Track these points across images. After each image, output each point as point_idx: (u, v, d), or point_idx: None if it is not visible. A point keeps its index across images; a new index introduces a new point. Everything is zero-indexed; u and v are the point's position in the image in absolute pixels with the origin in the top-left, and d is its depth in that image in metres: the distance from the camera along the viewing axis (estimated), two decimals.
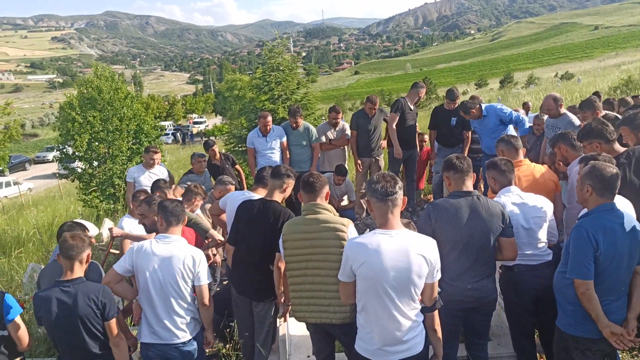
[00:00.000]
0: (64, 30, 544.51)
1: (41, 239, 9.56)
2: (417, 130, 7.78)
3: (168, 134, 46.36)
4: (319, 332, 3.54)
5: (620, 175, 3.10)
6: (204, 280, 3.57)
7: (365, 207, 7.97)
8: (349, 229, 3.33)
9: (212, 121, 62.82)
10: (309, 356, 4.06)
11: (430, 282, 2.86)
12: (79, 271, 3.29)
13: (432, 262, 2.82)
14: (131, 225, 5.51)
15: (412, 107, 7.38)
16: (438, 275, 2.90)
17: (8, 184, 25.86)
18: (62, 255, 3.28)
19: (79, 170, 13.37)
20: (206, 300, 3.59)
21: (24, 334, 3.38)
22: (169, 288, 3.47)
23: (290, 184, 4.10)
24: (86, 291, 3.21)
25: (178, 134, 49.75)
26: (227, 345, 4.28)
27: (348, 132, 7.67)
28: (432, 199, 7.96)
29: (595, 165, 3.08)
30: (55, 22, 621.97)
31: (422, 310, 2.94)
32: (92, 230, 4.81)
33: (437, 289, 2.95)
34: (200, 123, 57.93)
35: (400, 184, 2.86)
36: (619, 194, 3.25)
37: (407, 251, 2.76)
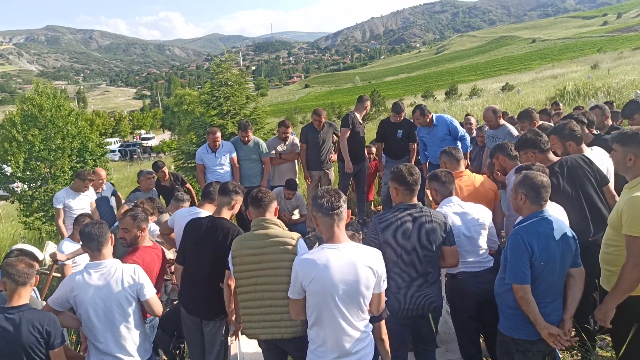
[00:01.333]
0: (2, 46, 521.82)
1: None
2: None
3: (115, 151, 45.17)
4: (271, 349, 3.54)
5: (554, 183, 3.28)
6: (149, 293, 3.47)
7: None
8: (298, 243, 3.35)
9: (161, 137, 61.61)
10: None
11: (377, 292, 2.92)
12: (25, 297, 3.16)
13: (379, 273, 2.88)
14: (71, 249, 5.37)
15: (361, 121, 7.52)
16: (384, 285, 2.97)
17: None
18: (10, 281, 3.13)
19: (19, 191, 12.82)
20: (158, 311, 3.53)
21: None
22: (115, 315, 3.36)
23: (238, 200, 4.10)
24: (31, 319, 3.08)
25: (127, 150, 48.52)
26: None
27: (297, 146, 7.73)
28: (382, 210, 8.11)
29: (527, 174, 3.25)
30: None
31: (371, 320, 3.00)
32: (39, 256, 4.66)
33: (384, 299, 3.02)
34: (148, 139, 56.70)
35: (344, 197, 2.92)
36: (553, 201, 3.43)
37: (355, 264, 2.81)
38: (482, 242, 3.74)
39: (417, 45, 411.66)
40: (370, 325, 2.98)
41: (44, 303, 3.78)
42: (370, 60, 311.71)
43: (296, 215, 7.96)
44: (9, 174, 12.73)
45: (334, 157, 7.83)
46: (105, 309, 3.35)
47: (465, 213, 3.73)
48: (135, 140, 58.44)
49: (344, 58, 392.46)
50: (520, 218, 3.33)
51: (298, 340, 3.34)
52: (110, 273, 3.40)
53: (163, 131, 72.12)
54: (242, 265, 3.43)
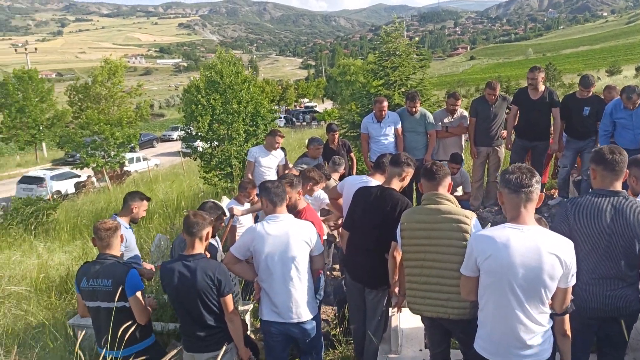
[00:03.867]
0: (189, 17, 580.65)
1: (167, 212, 10.33)
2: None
3: (281, 118, 47.90)
4: (435, 327, 3.44)
5: None
6: (319, 249, 3.69)
7: (481, 199, 7.63)
8: (472, 222, 3.17)
9: (322, 106, 63.74)
10: (421, 349, 3.98)
11: (563, 286, 2.63)
12: (199, 247, 3.44)
13: (567, 264, 2.58)
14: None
15: (534, 98, 6.87)
16: (573, 281, 2.66)
17: (138, 160, 28.39)
18: (185, 232, 3.45)
19: (200, 149, 14.24)
20: (322, 266, 3.71)
21: (141, 310, 3.51)
22: (289, 266, 3.56)
23: (409, 172, 4.00)
24: (204, 267, 3.36)
25: (292, 117, 51.11)
26: (338, 329, 4.32)
27: (466, 119, 7.37)
28: (556, 195, 7.41)
29: None
30: (182, 9, 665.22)
31: (552, 315, 2.72)
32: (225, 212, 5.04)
33: (570, 296, 2.71)
34: (311, 107, 59.01)
35: (537, 177, 2.64)
36: None
37: (539, 249, 2.55)
38: None
39: (604, 14, 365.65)
40: (551, 321, 2.71)
41: (224, 254, 4.12)
42: (547, 31, 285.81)
43: (459, 192, 7.64)
44: (193, 134, 14.19)
45: (505, 133, 7.32)
46: (281, 260, 3.55)
47: None
48: (298, 108, 61.26)
49: (516, 28, 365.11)
50: None
51: (465, 322, 3.19)
52: (287, 226, 3.60)
53: (322, 101, 74.50)
54: (411, 239, 3.35)
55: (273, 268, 3.56)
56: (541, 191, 2.68)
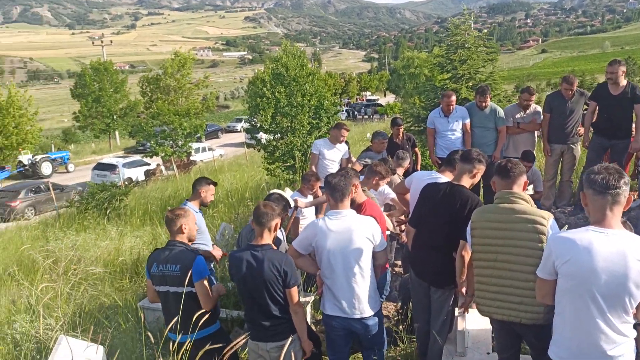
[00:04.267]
0: (255, 11, 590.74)
1: (231, 202, 10.59)
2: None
3: (343, 111, 47.86)
4: (504, 330, 3.31)
5: None
6: (382, 245, 3.64)
7: (553, 199, 7.30)
8: (550, 223, 3.02)
9: (384, 99, 63.13)
10: (488, 353, 3.85)
11: None
12: (267, 238, 3.49)
13: None
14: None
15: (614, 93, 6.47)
16: None
17: (204, 150, 29.28)
18: (254, 222, 3.51)
19: (264, 141, 14.46)
20: (385, 262, 3.66)
21: (206, 297, 3.57)
22: (351, 262, 3.54)
23: (480, 169, 3.86)
24: (271, 258, 3.40)
25: (353, 110, 50.96)
26: (400, 327, 4.26)
27: (540, 115, 7.05)
28: (636, 197, 6.96)
29: None
30: (248, 2, 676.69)
31: (636, 325, 2.55)
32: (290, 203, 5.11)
33: None
34: (373, 101, 58.61)
35: (626, 179, 2.47)
36: None
37: (625, 254, 2.38)
38: None
39: None
40: (634, 332, 2.54)
41: (287, 246, 4.16)
42: (626, 23, 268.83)
43: (530, 192, 7.33)
44: (258, 126, 14.42)
45: (582, 130, 6.94)
46: (343, 256, 3.53)
47: None
48: (360, 101, 60.97)
49: (593, 20, 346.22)
50: None
51: (539, 327, 3.05)
52: (349, 222, 3.57)
53: (384, 94, 73.74)
54: (482, 239, 3.24)
55: (335, 264, 3.56)
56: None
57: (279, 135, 13.83)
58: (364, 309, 3.58)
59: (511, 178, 3.21)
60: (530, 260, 2.99)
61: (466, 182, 3.85)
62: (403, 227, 5.47)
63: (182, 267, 3.56)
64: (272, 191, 4.89)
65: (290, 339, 3.43)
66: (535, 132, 7.28)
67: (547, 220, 3.03)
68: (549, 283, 2.67)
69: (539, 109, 7.17)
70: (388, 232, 5.01)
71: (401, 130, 7.92)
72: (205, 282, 3.59)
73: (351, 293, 3.56)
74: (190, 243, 3.82)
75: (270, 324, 3.45)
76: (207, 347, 3.21)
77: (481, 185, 7.12)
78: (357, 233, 3.53)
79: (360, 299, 3.57)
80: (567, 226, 5.64)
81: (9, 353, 4.31)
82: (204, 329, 3.53)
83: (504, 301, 3.15)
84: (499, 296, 3.17)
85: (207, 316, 3.38)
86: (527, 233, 3.04)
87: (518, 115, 7.13)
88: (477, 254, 3.30)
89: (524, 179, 3.24)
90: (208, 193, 5.07)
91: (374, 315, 3.63)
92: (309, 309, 5.27)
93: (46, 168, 28.23)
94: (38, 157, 28.51)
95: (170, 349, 3.18)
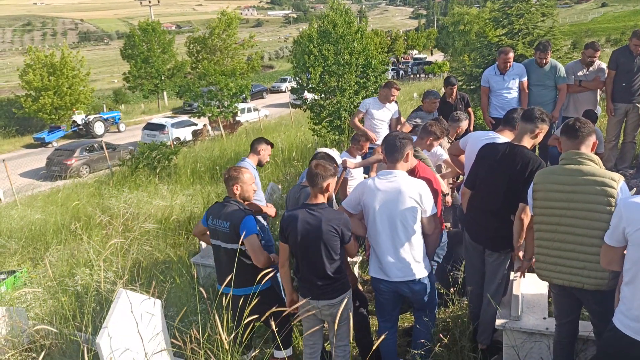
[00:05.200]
0: None
1: (277, 162, 10.63)
2: None
3: (389, 70, 46.89)
4: (565, 295, 3.18)
5: None
6: (431, 210, 3.54)
7: (614, 161, 6.96)
8: (620, 185, 2.84)
9: (432, 58, 61.28)
10: (544, 317, 3.74)
11: None
12: (321, 198, 3.47)
13: None
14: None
15: None
16: None
17: (249, 110, 29.44)
18: (309, 182, 3.49)
19: (310, 101, 14.34)
20: (432, 229, 3.59)
21: (257, 253, 3.64)
22: (397, 224, 3.48)
23: (543, 129, 3.65)
24: (329, 217, 3.39)
25: (403, 70, 49.81)
26: (451, 289, 4.19)
27: (604, 72, 6.64)
28: None
29: None
30: None
31: None
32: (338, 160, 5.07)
33: None
34: (421, 59, 56.96)
35: None
36: None
37: None
38: None
39: None
40: None
41: (337, 206, 4.13)
42: None
43: None
44: (304, 85, 14.28)
45: None
46: (389, 216, 3.48)
47: None
48: (406, 60, 59.44)
49: None
50: None
51: (602, 294, 2.92)
52: (399, 183, 3.50)
53: (431, 53, 71.48)
54: (545, 201, 3.09)
55: (381, 225, 3.51)
56: None
57: (326, 94, 13.67)
58: (409, 273, 3.53)
59: (579, 138, 3.02)
60: (596, 224, 2.85)
61: (527, 142, 3.66)
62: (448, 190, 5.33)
63: (232, 225, 3.66)
64: (318, 150, 4.83)
65: (345, 299, 3.44)
66: (598, 90, 6.89)
67: (617, 182, 2.85)
68: (616, 250, 2.55)
69: (604, 65, 6.76)
70: (444, 195, 4.89)
71: (455, 89, 7.63)
72: (255, 239, 3.64)
73: (396, 256, 3.51)
74: (245, 202, 3.87)
75: (323, 283, 3.46)
76: (255, 302, 3.23)
77: (537, 146, 6.85)
78: (405, 195, 3.45)
79: (406, 261, 3.51)
80: (634, 189, 5.36)
81: (72, 304, 4.52)
82: (254, 285, 3.59)
83: (566, 266, 3.02)
84: (560, 260, 3.04)
85: (257, 273, 3.42)
86: (595, 196, 2.87)
87: (580, 73, 6.76)
88: (539, 217, 3.16)
89: (592, 139, 3.04)
90: (266, 152, 5.17)
91: (419, 280, 3.57)
92: (356, 269, 5.27)
93: (99, 128, 29.16)
94: (91, 117, 29.44)
95: (223, 303, 3.24)
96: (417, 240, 3.55)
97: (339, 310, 3.11)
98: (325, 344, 4.04)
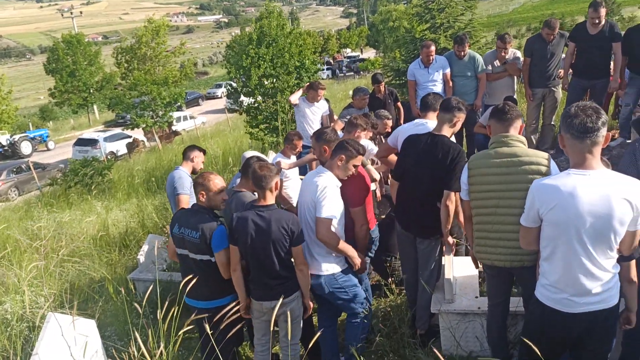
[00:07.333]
0: None
1: (216, 169, 10.50)
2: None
3: (323, 70, 47.24)
4: (501, 276, 3.28)
5: None
6: (326, 213, 3.57)
7: (535, 144, 7.33)
8: (551, 165, 2.99)
9: (364, 55, 62.28)
10: (476, 297, 3.91)
11: (632, 229, 2.46)
12: (270, 199, 3.48)
13: (638, 208, 2.40)
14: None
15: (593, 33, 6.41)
16: None
17: (185, 118, 28.86)
18: (256, 185, 3.49)
19: (245, 105, 14.25)
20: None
21: (225, 267, 3.56)
22: (306, 217, 3.64)
23: (460, 117, 3.82)
24: (279, 218, 3.41)
25: (337, 69, 50.29)
26: (389, 279, 4.30)
27: (520, 60, 6.99)
28: (617, 136, 7.00)
29: None
30: None
31: (618, 260, 2.58)
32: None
33: (638, 238, 2.55)
34: (355, 57, 57.77)
35: (604, 118, 2.42)
36: None
37: (609, 195, 2.38)
38: None
39: None
40: (618, 266, 2.57)
41: None
42: None
43: None
44: (239, 89, 14.17)
45: (562, 72, 6.92)
46: (301, 208, 3.73)
47: None
48: (341, 59, 60.13)
49: None
50: None
51: (533, 268, 3.06)
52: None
53: (361, 51, 72.61)
54: (482, 185, 3.16)
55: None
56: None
57: (263, 97, 13.63)
58: (314, 267, 3.64)
59: (508, 121, 3.14)
60: None
61: (447, 131, 3.81)
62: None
63: (202, 236, 3.53)
64: (246, 154, 4.81)
65: (292, 296, 3.46)
66: (515, 77, 7.23)
67: (548, 160, 2.99)
68: (533, 230, 2.65)
69: (519, 53, 7.11)
70: (373, 188, 4.96)
71: (382, 86, 7.82)
72: (225, 253, 3.55)
73: (308, 251, 3.64)
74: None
75: (274, 283, 3.47)
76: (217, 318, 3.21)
77: (464, 134, 7.12)
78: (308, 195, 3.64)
79: (313, 255, 3.65)
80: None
81: (2, 333, 4.30)
82: (219, 298, 3.58)
83: (506, 247, 3.08)
84: (500, 242, 3.10)
85: (225, 285, 3.46)
86: (530, 175, 2.95)
87: (496, 62, 7.07)
88: (476, 202, 3.21)
89: (519, 122, 3.18)
90: (199, 160, 5.16)
91: (320, 275, 3.65)
92: None
93: (26, 147, 27.74)
94: (16, 137, 27.96)
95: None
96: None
97: (291, 309, 3.13)
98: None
